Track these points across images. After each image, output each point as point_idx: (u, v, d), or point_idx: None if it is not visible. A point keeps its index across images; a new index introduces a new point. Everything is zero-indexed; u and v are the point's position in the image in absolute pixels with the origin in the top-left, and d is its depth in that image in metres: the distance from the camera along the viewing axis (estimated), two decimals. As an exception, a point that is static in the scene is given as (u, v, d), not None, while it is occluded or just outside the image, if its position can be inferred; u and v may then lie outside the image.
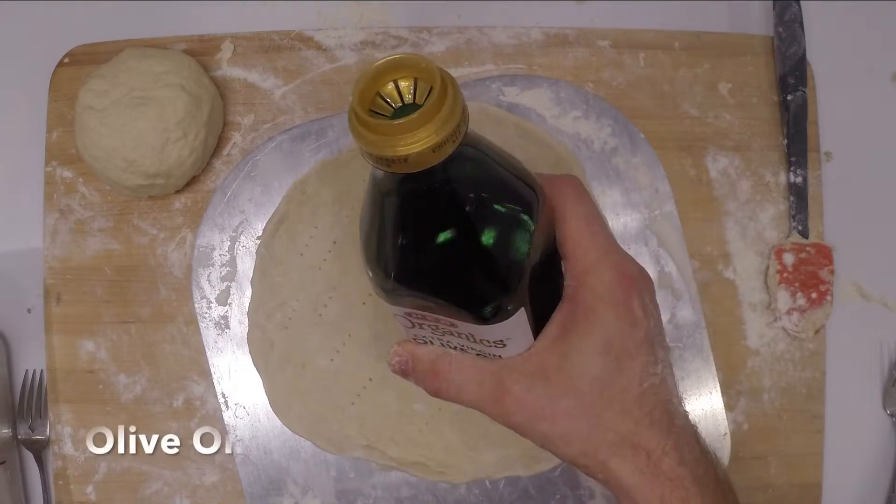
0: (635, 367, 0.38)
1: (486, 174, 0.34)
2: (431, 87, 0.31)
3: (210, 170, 0.55)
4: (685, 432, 0.38)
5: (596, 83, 0.56)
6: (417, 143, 0.29)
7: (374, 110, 0.32)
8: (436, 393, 0.40)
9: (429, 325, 0.38)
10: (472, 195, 0.33)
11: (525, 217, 0.35)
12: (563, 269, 0.39)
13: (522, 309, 0.36)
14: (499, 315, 0.35)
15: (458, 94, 0.31)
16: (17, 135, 0.57)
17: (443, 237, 0.34)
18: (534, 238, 0.35)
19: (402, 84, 0.32)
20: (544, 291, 0.39)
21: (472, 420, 0.51)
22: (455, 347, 0.39)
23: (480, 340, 0.37)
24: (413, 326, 0.39)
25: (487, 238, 0.34)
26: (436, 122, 0.30)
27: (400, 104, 0.32)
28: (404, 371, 0.41)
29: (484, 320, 0.35)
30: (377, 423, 0.52)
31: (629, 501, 0.38)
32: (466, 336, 0.38)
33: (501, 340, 0.37)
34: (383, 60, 0.31)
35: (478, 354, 0.39)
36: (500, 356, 0.38)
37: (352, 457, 0.52)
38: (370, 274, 0.37)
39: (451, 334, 0.38)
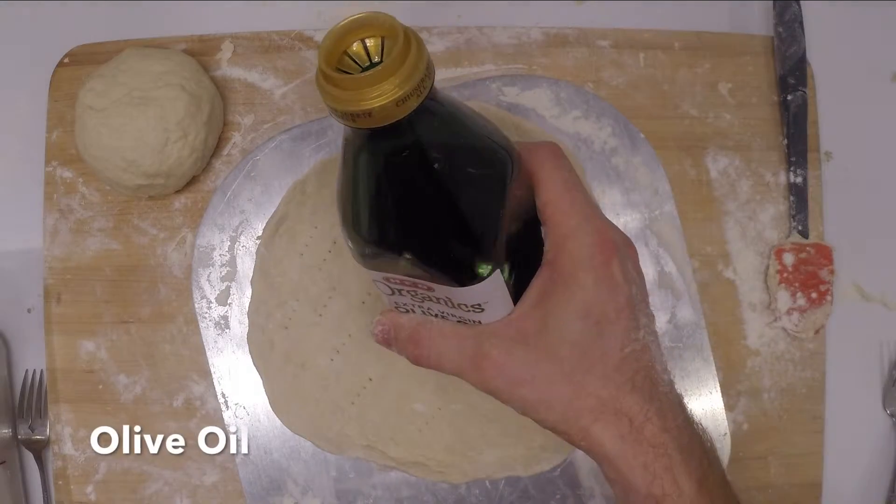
0: (616, 331, 0.37)
1: (456, 133, 0.35)
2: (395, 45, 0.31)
3: (210, 170, 0.55)
4: (669, 399, 0.38)
5: (596, 83, 0.56)
6: (381, 96, 0.30)
7: (342, 69, 0.32)
8: (417, 360, 0.40)
9: (408, 292, 0.38)
10: (440, 153, 0.33)
11: (495, 176, 0.35)
12: (542, 235, 0.39)
13: (498, 272, 0.36)
14: (473, 277, 0.35)
15: (422, 50, 0.31)
16: (17, 135, 0.57)
17: (411, 196, 0.34)
18: (507, 199, 0.35)
19: (370, 43, 0.33)
20: (524, 257, 0.38)
21: (471, 420, 0.51)
22: (436, 315, 0.39)
23: (458, 305, 0.37)
24: (393, 294, 0.39)
25: (457, 197, 0.34)
26: (399, 76, 0.30)
27: (368, 63, 0.33)
28: (387, 340, 0.41)
29: (458, 282, 0.35)
30: (377, 423, 0.52)
31: (612, 468, 0.37)
32: (444, 301, 0.37)
33: (479, 304, 0.37)
34: (348, 19, 0.32)
35: (458, 321, 0.39)
36: (479, 321, 0.38)
37: (352, 457, 0.52)
38: (345, 237, 0.37)
39: (431, 300, 0.38)
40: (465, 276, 0.35)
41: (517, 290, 0.38)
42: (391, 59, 0.30)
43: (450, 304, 0.38)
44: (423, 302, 0.39)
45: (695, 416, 0.40)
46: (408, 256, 0.35)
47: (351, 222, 0.36)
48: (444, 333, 0.40)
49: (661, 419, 0.37)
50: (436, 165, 0.33)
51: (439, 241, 0.35)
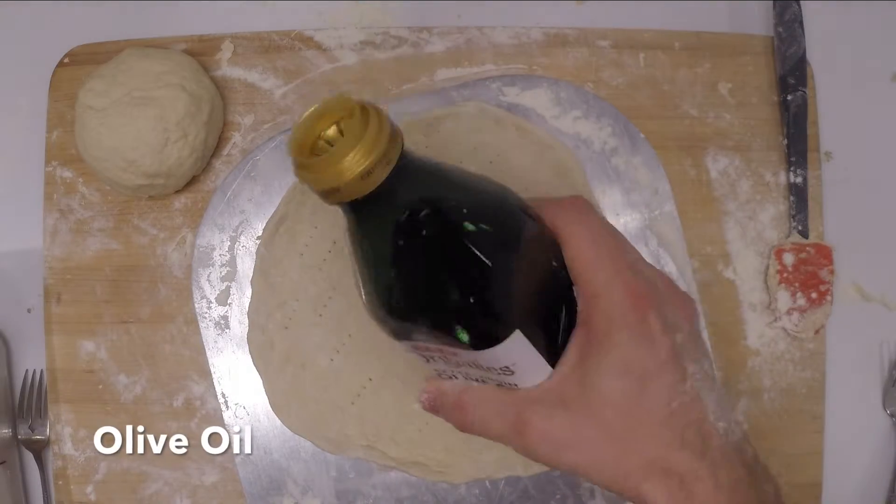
0: (659, 387, 0.36)
1: (444, 196, 0.34)
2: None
3: (210, 170, 0.55)
4: (724, 452, 0.36)
5: (596, 83, 0.56)
6: (345, 171, 0.31)
7: (317, 153, 0.34)
8: (463, 428, 0.40)
9: (440, 358, 0.38)
10: (427, 217, 0.33)
11: (495, 236, 0.34)
12: (575, 294, 0.38)
13: (519, 333, 0.35)
14: (488, 340, 0.35)
15: (381, 121, 0.33)
16: (17, 135, 0.57)
17: (403, 263, 0.34)
18: (514, 258, 0.35)
19: (343, 125, 0.34)
20: (551, 315, 0.38)
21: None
22: (476, 379, 0.39)
23: (488, 368, 0.37)
24: (428, 361, 0.39)
25: (452, 260, 0.34)
26: (358, 151, 0.31)
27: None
28: (434, 407, 0.41)
29: (473, 346, 0.35)
30: (377, 422, 0.52)
31: None
32: (474, 365, 0.37)
33: (507, 367, 0.36)
34: (308, 112, 0.34)
35: (498, 385, 0.38)
36: (516, 385, 0.38)
37: (352, 457, 0.52)
38: (366, 310, 0.37)
39: (463, 365, 0.37)
40: (478, 339, 0.35)
41: (552, 349, 0.37)
42: (347, 136, 0.32)
43: (480, 367, 0.37)
44: (458, 367, 0.38)
45: (758, 459, 0.38)
46: (412, 325, 0.35)
47: (360, 293, 0.36)
48: (486, 399, 0.39)
49: (713, 477, 0.35)
50: (424, 231, 0.33)
51: (438, 305, 0.34)
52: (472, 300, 0.34)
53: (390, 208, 0.33)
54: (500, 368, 0.36)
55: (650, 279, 0.38)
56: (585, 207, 0.39)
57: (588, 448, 0.36)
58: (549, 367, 0.37)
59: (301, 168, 0.33)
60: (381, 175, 0.32)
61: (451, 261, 0.34)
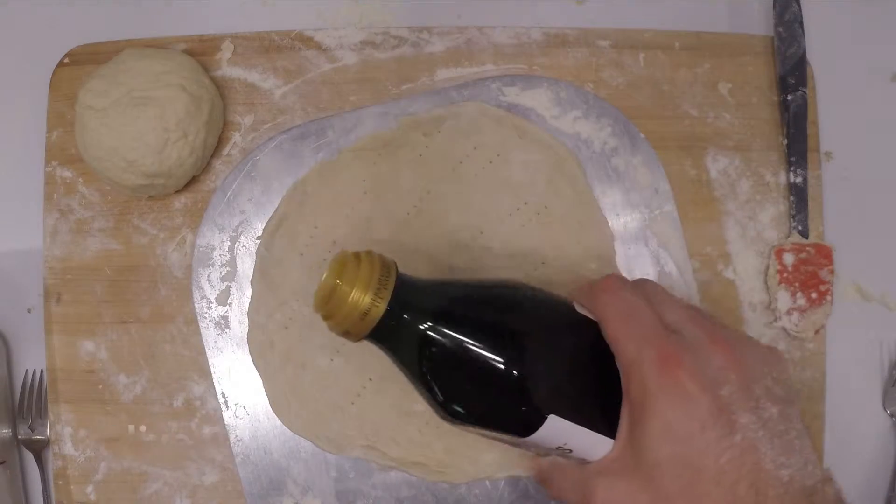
0: (704, 444, 0.36)
1: (443, 312, 0.38)
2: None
3: (210, 170, 0.55)
4: (783, 502, 0.36)
5: (596, 83, 0.56)
6: (347, 318, 0.37)
7: None
8: (552, 498, 0.45)
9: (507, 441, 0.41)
10: (437, 331, 0.38)
11: (496, 341, 0.38)
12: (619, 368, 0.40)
13: (554, 416, 0.38)
14: (522, 429, 0.38)
15: (372, 263, 0.38)
16: (17, 135, 0.57)
17: (429, 371, 0.39)
18: (530, 351, 0.38)
19: (342, 276, 0.38)
20: (596, 392, 0.40)
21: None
22: (560, 455, 0.42)
23: (553, 448, 0.40)
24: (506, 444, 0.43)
25: (463, 369, 0.38)
26: (352, 298, 0.37)
27: None
28: (539, 481, 0.45)
29: (515, 434, 0.39)
30: (377, 422, 0.52)
31: None
32: (534, 446, 0.40)
33: (561, 447, 0.40)
34: (321, 282, 0.38)
35: (578, 460, 0.41)
36: (585, 459, 0.40)
37: (352, 457, 0.52)
38: None
39: (532, 446, 0.41)
40: (516, 429, 0.39)
41: (609, 422, 0.40)
42: (339, 292, 0.37)
43: (543, 448, 0.40)
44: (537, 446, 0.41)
45: (841, 498, 0.37)
46: (463, 427, 0.40)
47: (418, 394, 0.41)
48: (563, 474, 0.42)
49: None
50: (432, 349, 0.38)
51: (469, 412, 0.39)
52: (490, 401, 0.38)
53: (399, 337, 0.38)
54: (556, 448, 0.40)
55: (689, 337, 0.39)
56: (617, 285, 0.41)
57: None
58: (610, 440, 0.40)
59: (323, 319, 0.38)
60: (378, 312, 0.37)
61: (462, 370, 0.38)
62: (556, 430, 0.38)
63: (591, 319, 0.41)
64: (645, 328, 0.39)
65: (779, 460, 0.37)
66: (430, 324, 0.38)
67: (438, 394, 0.38)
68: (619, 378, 0.39)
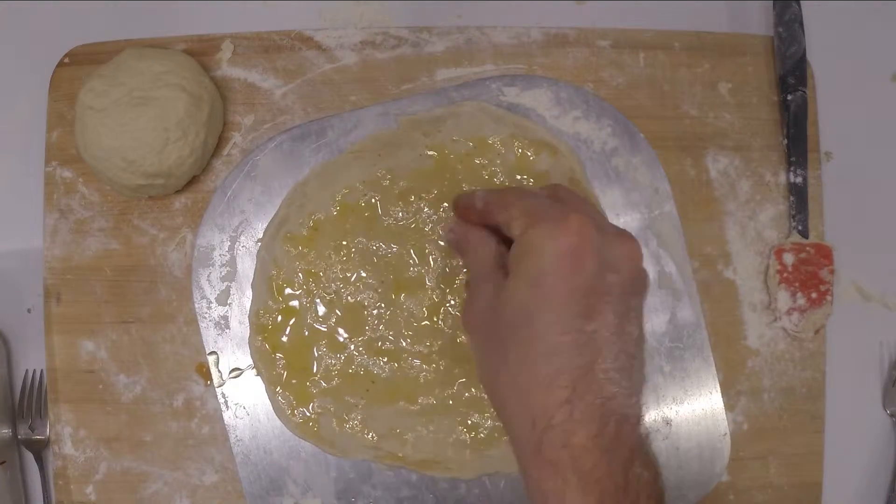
0: (559, 309, 0.35)
1: None
2: None
3: (210, 170, 0.55)
4: (590, 411, 0.34)
5: (596, 83, 0.56)
6: None
7: None
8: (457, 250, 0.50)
9: None
10: None
11: None
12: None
13: None
14: None
15: None
16: (17, 135, 0.57)
17: None
18: None
19: None
20: None
21: (478, 416, 0.51)
22: None
23: None
24: None
25: None
26: None
27: None
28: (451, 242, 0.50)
29: None
30: (382, 422, 0.52)
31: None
32: None
33: None
34: None
35: None
36: None
37: (358, 458, 0.52)
38: None
39: None
40: None
41: None
42: None
43: None
44: None
45: (644, 443, 0.36)
46: None
47: None
48: (485, 243, 0.45)
49: (563, 433, 0.34)
50: None
51: None
52: None
53: None
54: None
55: (597, 221, 0.40)
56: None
57: (481, 347, 0.42)
58: None
59: None
60: None
61: None
62: None
63: None
64: (540, 202, 0.40)
65: (612, 374, 0.35)
66: None
67: None
68: None
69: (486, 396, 0.51)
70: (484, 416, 0.51)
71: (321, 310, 0.52)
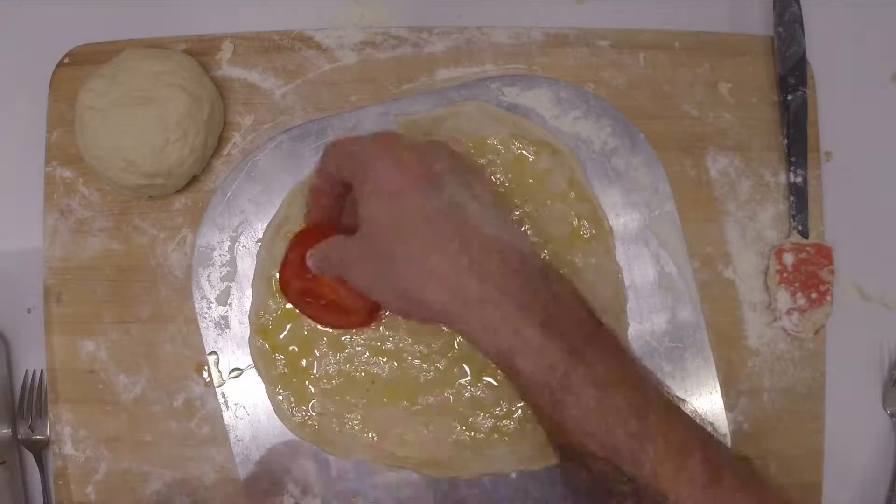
0: (413, 198, 0.42)
1: None
2: None
3: (210, 170, 0.55)
4: (485, 247, 0.42)
5: (596, 83, 0.56)
6: None
7: None
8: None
9: None
10: None
11: None
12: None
13: None
14: None
15: None
16: (17, 135, 0.57)
17: None
18: None
19: None
20: None
21: (479, 416, 0.51)
22: None
23: None
24: None
25: None
26: None
27: None
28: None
29: None
30: (383, 422, 0.52)
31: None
32: None
33: None
34: None
35: None
36: None
37: (359, 458, 0.52)
38: None
39: None
40: None
41: None
42: None
43: None
44: None
45: (552, 268, 0.44)
46: None
47: None
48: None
49: (474, 273, 0.41)
50: None
51: None
52: None
53: None
54: None
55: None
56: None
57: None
58: None
59: None
60: None
61: None
62: None
63: None
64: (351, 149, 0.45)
65: (487, 221, 0.43)
66: None
67: None
68: None
69: (485, 396, 0.51)
70: (484, 416, 0.51)
71: (321, 310, 0.52)
